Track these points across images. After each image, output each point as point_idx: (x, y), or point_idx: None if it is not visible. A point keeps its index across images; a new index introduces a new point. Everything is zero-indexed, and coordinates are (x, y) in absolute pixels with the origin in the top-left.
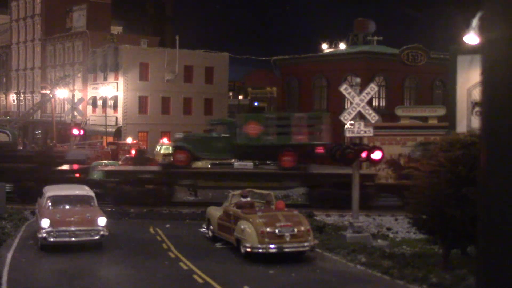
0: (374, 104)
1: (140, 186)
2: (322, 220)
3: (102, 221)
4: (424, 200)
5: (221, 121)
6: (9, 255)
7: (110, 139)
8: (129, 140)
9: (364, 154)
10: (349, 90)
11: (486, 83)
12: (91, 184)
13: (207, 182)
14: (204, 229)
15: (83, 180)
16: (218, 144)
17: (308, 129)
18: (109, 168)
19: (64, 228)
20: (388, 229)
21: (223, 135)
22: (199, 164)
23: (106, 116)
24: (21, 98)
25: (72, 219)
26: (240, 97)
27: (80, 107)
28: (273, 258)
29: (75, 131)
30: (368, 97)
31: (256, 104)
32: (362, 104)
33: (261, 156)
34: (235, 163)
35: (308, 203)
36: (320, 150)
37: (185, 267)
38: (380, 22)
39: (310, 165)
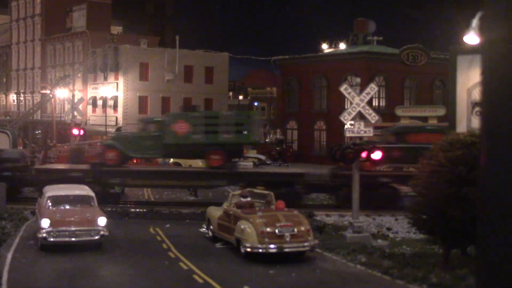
0: (374, 104)
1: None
2: (322, 220)
3: (102, 221)
4: (424, 200)
5: (151, 119)
6: (9, 255)
7: None
8: None
9: (364, 154)
10: (349, 90)
11: (486, 83)
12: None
13: (136, 181)
14: (204, 229)
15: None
16: (148, 143)
17: (236, 128)
18: (39, 166)
19: (64, 228)
20: (388, 229)
21: (153, 134)
22: (199, 164)
23: (106, 116)
24: (21, 98)
25: (72, 219)
26: (240, 97)
27: (80, 107)
28: (273, 258)
29: (75, 131)
30: (368, 97)
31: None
32: (362, 104)
33: (190, 155)
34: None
35: None
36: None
37: (185, 267)
38: (380, 22)
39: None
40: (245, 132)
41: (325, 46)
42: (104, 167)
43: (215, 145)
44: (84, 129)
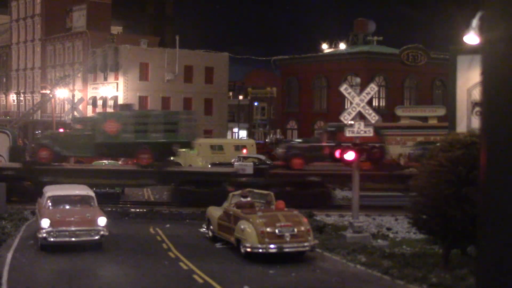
0: (374, 104)
1: (5, 183)
2: (322, 220)
3: (102, 221)
4: (424, 200)
5: (84, 119)
6: (9, 255)
7: None
8: None
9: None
10: (349, 90)
11: (486, 83)
12: None
13: (68, 179)
14: (204, 229)
15: None
16: (80, 141)
17: (165, 127)
18: None
19: (64, 228)
20: (388, 229)
21: (85, 133)
22: (199, 164)
23: None
24: (21, 98)
25: (72, 219)
26: (240, 97)
27: (80, 107)
28: (273, 258)
29: None
30: (368, 97)
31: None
32: (362, 104)
33: (120, 153)
34: (235, 163)
35: (170, 200)
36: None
37: (185, 267)
38: (380, 22)
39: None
40: (176, 131)
41: (325, 46)
42: (36, 166)
43: (144, 144)
44: None
